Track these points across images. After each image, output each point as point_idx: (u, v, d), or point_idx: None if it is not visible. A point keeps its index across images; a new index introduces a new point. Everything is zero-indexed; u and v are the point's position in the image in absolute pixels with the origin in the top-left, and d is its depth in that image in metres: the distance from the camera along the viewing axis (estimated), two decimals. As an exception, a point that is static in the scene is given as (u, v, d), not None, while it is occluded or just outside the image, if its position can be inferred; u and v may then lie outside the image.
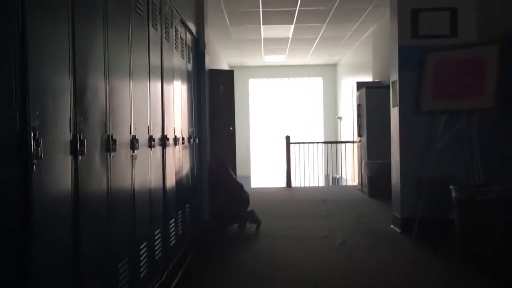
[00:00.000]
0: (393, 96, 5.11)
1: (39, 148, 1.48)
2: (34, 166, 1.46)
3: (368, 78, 9.35)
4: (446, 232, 4.22)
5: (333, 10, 7.68)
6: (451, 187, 3.98)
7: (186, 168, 4.30)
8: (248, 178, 12.38)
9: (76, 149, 1.79)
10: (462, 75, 4.52)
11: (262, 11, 7.66)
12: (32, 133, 1.45)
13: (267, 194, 8.11)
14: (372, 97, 7.64)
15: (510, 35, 4.26)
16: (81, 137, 1.82)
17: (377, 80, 8.62)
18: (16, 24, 1.41)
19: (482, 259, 3.73)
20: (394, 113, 5.09)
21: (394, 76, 5.05)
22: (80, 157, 1.82)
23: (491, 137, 4.59)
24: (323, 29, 9.02)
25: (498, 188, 3.78)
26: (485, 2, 4.78)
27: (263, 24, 8.57)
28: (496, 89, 4.21)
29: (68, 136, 1.75)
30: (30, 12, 1.46)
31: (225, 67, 11.73)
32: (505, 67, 4.23)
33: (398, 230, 4.92)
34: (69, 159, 1.76)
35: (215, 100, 5.59)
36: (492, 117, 4.54)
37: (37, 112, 1.49)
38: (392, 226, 5.12)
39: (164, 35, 3.41)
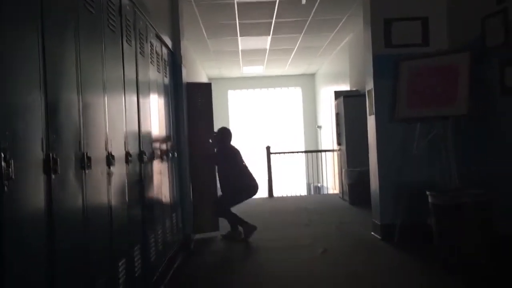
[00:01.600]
0: (369, 104, 5.18)
1: (10, 169, 1.47)
2: (5, 187, 1.45)
3: (345, 87, 9.46)
4: (426, 238, 4.28)
5: (309, 21, 7.78)
6: (427, 192, 4.04)
7: (166, 182, 4.28)
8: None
9: (49, 168, 1.77)
10: (435, 83, 4.61)
11: (239, 23, 7.72)
12: (2, 154, 1.44)
13: (250, 204, 8.07)
14: (350, 105, 7.72)
15: (477, 42, 4.38)
16: (54, 156, 1.81)
17: (354, 89, 8.73)
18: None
19: (459, 263, 3.78)
20: (371, 121, 5.15)
21: (370, 85, 5.13)
22: (53, 176, 1.80)
23: (465, 143, 4.69)
24: (300, 39, 9.12)
25: (473, 192, 3.86)
26: (454, 11, 4.90)
27: (240, 36, 8.63)
28: (468, 96, 4.31)
29: (40, 155, 1.73)
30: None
31: (204, 79, 11.74)
32: (475, 73, 4.34)
33: (379, 237, 4.97)
34: (41, 178, 1.74)
35: (194, 113, 5.59)
36: (466, 123, 4.64)
37: (7, 133, 1.48)
38: (372, 233, 5.16)
39: (139, 50, 3.41)
